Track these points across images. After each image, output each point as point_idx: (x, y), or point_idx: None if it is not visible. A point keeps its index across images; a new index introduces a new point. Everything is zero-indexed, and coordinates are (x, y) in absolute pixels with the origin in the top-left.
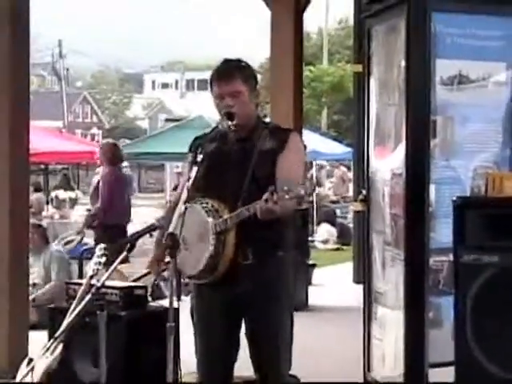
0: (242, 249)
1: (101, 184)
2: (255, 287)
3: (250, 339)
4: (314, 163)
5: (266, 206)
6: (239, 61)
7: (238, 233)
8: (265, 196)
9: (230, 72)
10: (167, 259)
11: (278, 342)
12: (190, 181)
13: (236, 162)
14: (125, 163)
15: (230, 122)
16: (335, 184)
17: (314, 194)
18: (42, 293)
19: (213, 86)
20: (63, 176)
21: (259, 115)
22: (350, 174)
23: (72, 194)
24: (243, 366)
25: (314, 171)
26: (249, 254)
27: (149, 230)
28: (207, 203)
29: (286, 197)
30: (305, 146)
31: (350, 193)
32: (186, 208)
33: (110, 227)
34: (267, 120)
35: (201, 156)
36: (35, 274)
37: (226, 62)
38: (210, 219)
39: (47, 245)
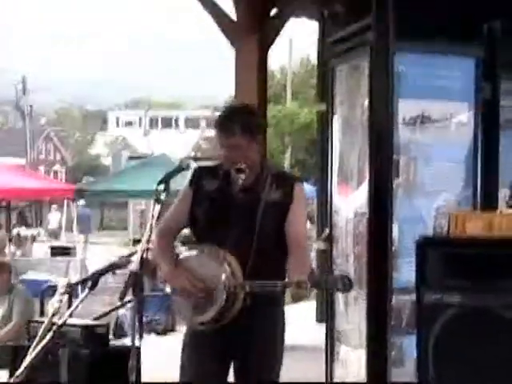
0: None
1: None
2: (251, 329)
3: (242, 377)
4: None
5: (298, 293)
6: (241, 109)
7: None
8: (298, 278)
9: (229, 125)
10: (129, 298)
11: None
12: (154, 219)
13: (241, 213)
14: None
15: (241, 176)
16: None
17: None
18: (5, 332)
19: (215, 131)
20: (18, 214)
21: (263, 160)
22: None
23: (33, 232)
24: None
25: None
26: (247, 299)
27: (111, 268)
28: (218, 254)
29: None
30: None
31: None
32: (196, 253)
33: None
34: (270, 164)
35: (164, 194)
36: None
37: (228, 110)
38: (223, 275)
39: (13, 284)
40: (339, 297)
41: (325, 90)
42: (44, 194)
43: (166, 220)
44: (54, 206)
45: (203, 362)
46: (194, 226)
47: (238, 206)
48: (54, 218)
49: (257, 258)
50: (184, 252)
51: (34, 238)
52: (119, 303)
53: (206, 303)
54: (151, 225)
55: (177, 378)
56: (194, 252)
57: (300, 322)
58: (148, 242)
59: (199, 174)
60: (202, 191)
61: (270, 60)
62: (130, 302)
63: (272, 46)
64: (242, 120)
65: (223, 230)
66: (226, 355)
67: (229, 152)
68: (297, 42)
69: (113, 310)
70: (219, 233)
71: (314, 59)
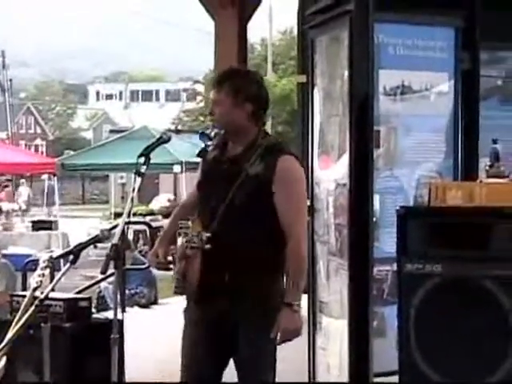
0: (218, 272)
1: None
2: (238, 308)
3: (236, 359)
4: None
5: None
6: (237, 70)
7: (203, 260)
8: None
9: (220, 80)
10: (110, 271)
11: (265, 362)
12: (135, 191)
13: (221, 184)
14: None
15: (213, 141)
16: None
17: None
18: None
19: None
20: None
21: (259, 133)
22: None
23: (15, 206)
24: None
25: None
26: (226, 277)
27: (93, 241)
28: (182, 223)
29: None
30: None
31: None
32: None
33: None
34: (269, 138)
35: (144, 167)
36: None
37: (226, 69)
38: (183, 241)
39: None
40: (321, 267)
41: (305, 62)
42: (25, 168)
43: (186, 196)
44: (23, 181)
45: (194, 341)
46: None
47: (220, 177)
48: (23, 192)
49: (221, 224)
50: None
51: (15, 213)
52: (101, 276)
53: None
54: (132, 198)
55: (166, 364)
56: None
57: None
58: (129, 215)
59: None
60: (205, 164)
61: (250, 32)
62: (111, 275)
63: (252, 18)
64: (232, 79)
65: (205, 196)
66: (219, 333)
67: (213, 107)
68: (277, 14)
69: (95, 283)
70: (204, 205)
71: (294, 31)
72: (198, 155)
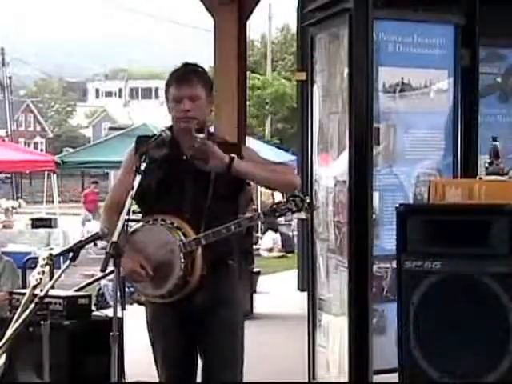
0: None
1: None
2: (209, 298)
3: (204, 350)
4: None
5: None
6: (198, 66)
7: (203, 248)
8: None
9: (192, 76)
10: (111, 268)
11: (232, 351)
12: (134, 190)
13: (194, 177)
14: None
15: (200, 135)
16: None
17: (259, 203)
18: None
19: (170, 89)
20: None
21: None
22: None
23: (15, 203)
24: None
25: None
26: (203, 268)
27: (93, 239)
28: (164, 220)
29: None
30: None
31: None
32: (142, 226)
33: None
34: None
35: (144, 164)
36: None
37: (186, 65)
38: (177, 238)
39: (0, 256)
40: (321, 265)
41: (304, 59)
42: (24, 165)
43: (113, 192)
44: None
45: (171, 339)
46: (143, 196)
47: (190, 169)
48: None
49: (210, 219)
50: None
51: (15, 210)
52: (101, 274)
53: (165, 272)
54: (131, 195)
55: None
56: (141, 224)
57: (282, 290)
58: (128, 212)
59: (143, 147)
60: (149, 160)
61: (250, 29)
62: (111, 272)
63: (251, 15)
64: (201, 74)
65: (178, 196)
66: (189, 325)
67: (189, 104)
68: (276, 11)
69: (95, 280)
70: (174, 200)
71: (293, 28)
72: (141, 156)
